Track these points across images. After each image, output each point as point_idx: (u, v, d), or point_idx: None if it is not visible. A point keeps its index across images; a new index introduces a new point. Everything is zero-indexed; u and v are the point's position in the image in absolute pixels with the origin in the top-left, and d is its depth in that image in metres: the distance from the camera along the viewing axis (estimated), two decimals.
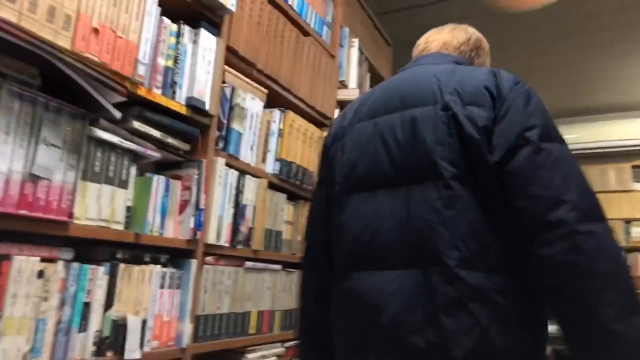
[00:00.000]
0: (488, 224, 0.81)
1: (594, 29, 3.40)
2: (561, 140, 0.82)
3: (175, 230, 1.28)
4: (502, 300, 0.78)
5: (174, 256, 1.28)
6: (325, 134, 1.99)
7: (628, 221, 4.48)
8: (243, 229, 1.50)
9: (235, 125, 1.49)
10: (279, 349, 1.64)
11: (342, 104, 2.23)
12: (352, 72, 2.33)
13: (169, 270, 1.24)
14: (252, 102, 1.57)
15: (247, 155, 1.55)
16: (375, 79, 2.78)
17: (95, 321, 1.04)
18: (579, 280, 0.72)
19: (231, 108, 1.48)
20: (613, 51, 3.70)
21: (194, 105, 1.30)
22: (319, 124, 2.01)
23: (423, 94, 0.89)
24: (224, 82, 1.46)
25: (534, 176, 0.77)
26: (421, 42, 1.11)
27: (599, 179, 4.64)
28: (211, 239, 1.36)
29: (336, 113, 2.17)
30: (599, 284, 0.71)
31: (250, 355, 1.50)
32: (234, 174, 1.47)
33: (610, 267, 0.72)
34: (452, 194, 0.81)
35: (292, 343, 1.72)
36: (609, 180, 4.65)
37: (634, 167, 4.61)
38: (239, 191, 1.49)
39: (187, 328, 1.26)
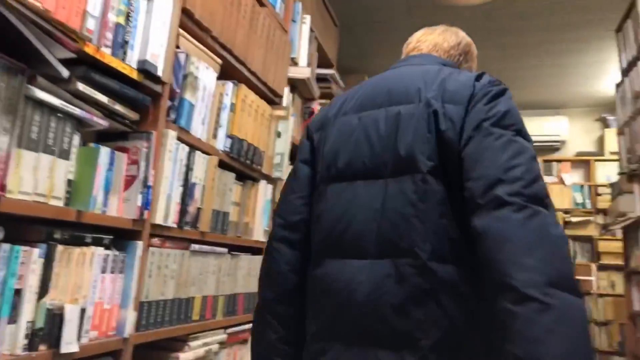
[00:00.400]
0: (455, 218, 0.83)
1: (523, 30, 3.56)
2: (521, 134, 0.82)
3: (120, 208, 1.15)
4: (469, 292, 0.81)
5: (118, 237, 1.15)
6: (276, 112, 1.90)
7: None
8: (191, 209, 1.39)
9: (187, 96, 1.36)
10: (221, 336, 1.56)
11: (292, 82, 2.14)
12: (303, 50, 2.25)
13: (111, 253, 1.11)
14: (205, 72, 1.44)
15: (199, 129, 1.43)
16: (323, 60, 2.71)
17: (27, 311, 0.90)
18: (503, 245, 0.72)
19: (184, 77, 1.35)
20: (538, 52, 3.92)
21: (146, 70, 1.16)
22: (270, 102, 1.91)
23: (409, 92, 0.91)
24: (177, 47, 1.32)
25: (480, 157, 0.80)
26: (413, 40, 1.11)
27: None
28: (159, 219, 1.24)
29: (286, 91, 2.08)
30: (518, 250, 0.71)
31: (192, 343, 1.40)
32: (184, 149, 1.35)
33: (535, 237, 0.71)
34: (428, 188, 0.84)
35: (235, 329, 1.65)
36: None
37: (545, 161, 4.98)
38: (188, 168, 1.37)
39: (130, 316, 1.15)
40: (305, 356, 0.93)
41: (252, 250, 1.83)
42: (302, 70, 2.11)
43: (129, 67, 1.13)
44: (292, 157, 2.22)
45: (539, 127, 4.98)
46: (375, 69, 4.40)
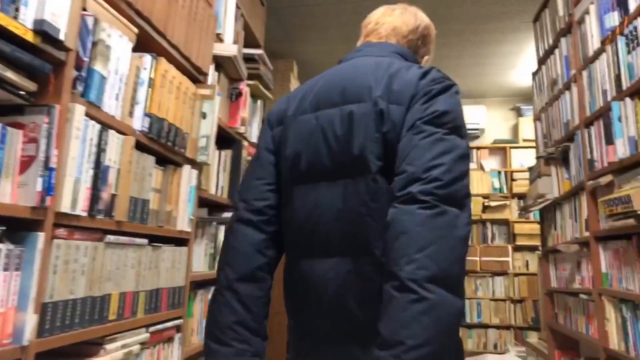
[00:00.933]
0: None
1: (447, 17, 3.64)
2: (456, 132, 0.84)
3: (15, 194, 0.98)
4: None
5: (12, 228, 0.98)
6: (201, 91, 1.76)
7: None
8: (105, 195, 1.23)
9: (98, 67, 1.20)
10: (143, 335, 1.41)
11: (218, 60, 2.00)
12: (229, 26, 2.11)
13: (4, 247, 0.94)
14: (119, 41, 1.28)
15: (112, 105, 1.27)
16: (250, 40, 2.58)
17: None
18: (401, 236, 0.77)
19: (94, 44, 1.18)
20: (459, 41, 4.02)
21: (44, 32, 0.99)
22: (194, 79, 1.76)
23: (361, 90, 0.92)
24: (84, 9, 1.15)
25: (407, 154, 0.82)
26: (371, 21, 1.10)
27: None
28: (64, 206, 1.08)
29: (212, 69, 1.94)
30: (412, 244, 0.75)
31: (109, 346, 1.25)
32: (95, 127, 1.19)
33: (433, 235, 0.75)
34: (378, 187, 0.87)
35: (158, 327, 1.50)
36: None
37: (476, 148, 5.16)
38: (100, 149, 1.21)
39: (30, 320, 0.98)
40: (292, 353, 0.98)
41: (176, 241, 1.68)
42: (229, 48, 1.97)
43: (22, 26, 0.95)
44: (220, 141, 2.09)
45: None
46: (304, 54, 4.31)
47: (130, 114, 1.36)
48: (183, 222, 1.68)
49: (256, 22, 2.65)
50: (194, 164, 1.75)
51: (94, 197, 1.19)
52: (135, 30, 1.36)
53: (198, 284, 1.94)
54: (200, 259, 1.94)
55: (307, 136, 0.96)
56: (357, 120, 0.90)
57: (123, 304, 1.33)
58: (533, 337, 4.33)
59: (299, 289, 0.96)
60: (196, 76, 1.78)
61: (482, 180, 5.03)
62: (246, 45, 2.52)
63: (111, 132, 1.25)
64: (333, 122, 0.93)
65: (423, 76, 0.90)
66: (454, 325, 0.74)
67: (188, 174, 1.70)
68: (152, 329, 1.47)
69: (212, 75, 1.96)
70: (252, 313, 0.94)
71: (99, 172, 1.21)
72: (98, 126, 1.20)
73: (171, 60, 1.59)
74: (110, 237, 1.26)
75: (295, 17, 3.69)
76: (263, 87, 2.47)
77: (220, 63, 2.04)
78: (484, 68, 4.56)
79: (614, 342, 1.93)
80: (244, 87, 2.23)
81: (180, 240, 1.70)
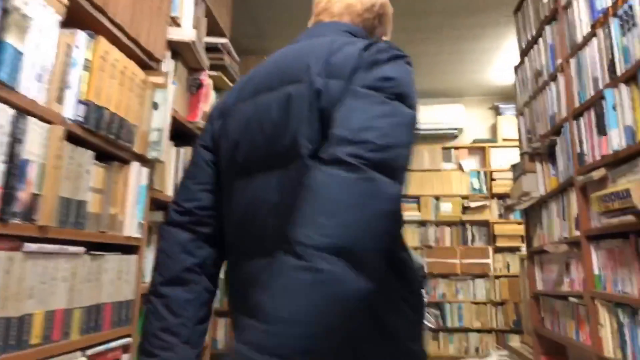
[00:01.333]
0: None
1: (426, 11, 3.50)
2: (400, 99, 0.72)
3: None
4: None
5: None
6: (152, 78, 1.56)
7: (437, 197, 4.89)
8: (23, 195, 1.02)
9: (11, 39, 0.99)
10: None
11: (174, 47, 1.80)
12: (187, 9, 1.91)
13: None
14: (41, 11, 1.07)
15: (32, 87, 1.06)
16: (214, 29, 2.38)
17: None
18: (313, 197, 0.64)
19: (4, 11, 0.97)
20: (438, 36, 3.89)
21: None
22: (145, 66, 1.56)
23: (299, 70, 0.82)
24: None
25: (339, 117, 0.71)
26: None
27: (415, 159, 4.97)
28: None
29: (168, 56, 1.74)
30: (322, 207, 0.63)
31: None
32: (7, 113, 0.98)
33: (350, 201, 0.62)
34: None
35: (99, 349, 1.29)
36: (423, 160, 5.02)
37: (443, 148, 5.06)
38: (15, 139, 1.00)
39: None
40: None
41: (124, 248, 1.47)
42: (185, 33, 1.77)
43: None
44: (178, 136, 1.88)
45: (438, 115, 5.05)
46: (275, 50, 4.12)
47: (59, 99, 1.16)
48: (131, 227, 1.47)
49: (221, 10, 2.46)
50: (144, 160, 1.54)
51: (8, 197, 0.98)
52: (65, 1, 1.16)
53: None
54: None
55: (244, 125, 0.87)
56: (294, 102, 0.79)
57: (50, 325, 1.12)
58: (515, 341, 4.22)
59: (237, 291, 0.87)
60: (146, 62, 1.57)
61: (461, 180, 4.92)
62: (210, 34, 2.32)
63: (31, 119, 1.04)
64: (270, 107, 0.83)
65: (367, 47, 0.79)
66: (350, 312, 0.60)
67: (137, 172, 1.50)
68: (90, 351, 1.26)
69: (168, 63, 1.75)
70: (180, 318, 0.85)
71: (14, 167, 1.00)
72: (11, 111, 0.99)
73: (114, 41, 1.39)
74: (31, 246, 1.05)
75: (267, 11, 3.50)
76: (228, 80, 2.27)
77: (178, 50, 1.84)
78: (463, 65, 4.45)
79: (609, 349, 1.78)
80: (206, 79, 2.03)
81: (128, 248, 1.49)
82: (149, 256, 1.68)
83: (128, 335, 1.46)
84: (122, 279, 1.44)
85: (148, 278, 1.67)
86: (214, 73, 2.16)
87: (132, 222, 1.47)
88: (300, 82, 0.80)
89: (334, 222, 0.61)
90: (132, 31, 1.45)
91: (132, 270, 1.49)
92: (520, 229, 4.66)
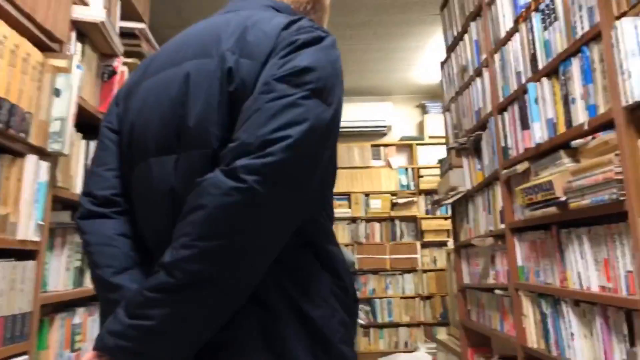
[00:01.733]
0: None
1: (354, 6, 3.48)
2: (318, 95, 0.65)
3: None
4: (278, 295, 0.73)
5: None
6: (52, 61, 1.38)
7: (367, 194, 4.93)
8: None
9: None
10: None
11: (81, 28, 1.62)
12: None
13: None
14: None
15: None
16: (130, 12, 2.19)
17: None
18: (193, 207, 0.62)
19: None
20: (366, 33, 3.90)
21: None
22: (44, 47, 1.38)
23: (206, 46, 0.75)
24: None
25: (247, 118, 0.64)
26: None
27: (346, 156, 4.98)
28: None
29: (73, 37, 1.55)
30: (199, 219, 0.61)
31: None
32: None
33: (225, 217, 0.60)
34: None
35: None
36: (354, 157, 5.04)
37: (372, 145, 5.11)
38: None
39: None
40: None
41: (18, 253, 1.28)
42: (93, 12, 1.60)
43: None
44: (86, 128, 1.70)
45: (367, 112, 5.09)
46: None
47: None
48: (27, 229, 1.29)
49: None
50: (43, 154, 1.36)
51: None
52: None
53: (57, 307, 1.54)
54: (60, 274, 1.54)
55: (142, 103, 0.78)
56: (196, 80, 0.71)
57: None
58: (442, 333, 4.33)
59: None
60: (46, 43, 1.39)
61: (390, 177, 4.99)
62: (126, 20, 2.13)
63: None
64: (170, 83, 0.74)
65: (288, 25, 0.71)
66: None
67: (34, 167, 1.31)
68: None
69: (73, 45, 1.57)
70: None
71: None
72: None
73: (3, 15, 1.20)
74: None
75: (191, 1, 3.33)
76: None
77: (85, 32, 1.66)
78: (391, 63, 4.49)
79: (533, 339, 1.83)
80: (120, 65, 1.85)
81: (24, 253, 1.31)
82: (52, 262, 1.50)
83: (24, 353, 1.27)
84: (16, 289, 1.25)
85: (50, 286, 1.48)
86: (129, 60, 1.98)
87: (28, 223, 1.29)
88: (209, 58, 0.72)
89: (204, 249, 0.60)
90: (25, 5, 1.27)
91: (30, 277, 1.31)
92: (447, 224, 4.80)
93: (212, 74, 0.70)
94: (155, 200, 0.73)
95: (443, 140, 4.85)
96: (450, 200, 2.61)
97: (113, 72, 1.84)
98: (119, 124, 0.84)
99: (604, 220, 1.38)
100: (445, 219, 4.82)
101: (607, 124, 1.31)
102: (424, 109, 5.26)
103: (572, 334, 1.55)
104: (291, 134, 0.61)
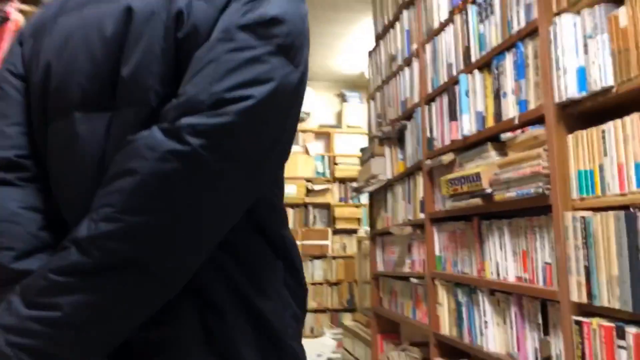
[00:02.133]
0: None
1: None
2: (284, 53, 0.55)
3: None
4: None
5: None
6: None
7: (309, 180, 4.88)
8: None
9: None
10: None
11: None
12: None
13: None
14: None
15: None
16: None
17: None
18: (124, 171, 0.52)
19: None
20: (319, 19, 3.79)
21: None
22: None
23: None
24: None
25: (199, 68, 0.53)
26: None
27: None
28: None
29: None
30: (137, 185, 0.50)
31: None
32: None
33: (163, 185, 0.50)
34: None
35: None
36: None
37: (302, 131, 5.04)
38: None
39: None
40: None
41: None
42: None
43: None
44: None
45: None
46: None
47: None
48: None
49: None
50: None
51: None
52: None
53: None
54: None
55: (62, 42, 0.63)
56: (138, 20, 0.58)
57: None
58: (348, 319, 4.40)
59: None
60: None
61: (306, 163, 4.96)
62: None
63: None
64: (102, 21, 0.61)
65: None
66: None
67: None
68: None
69: None
70: None
71: None
72: None
73: None
74: None
75: None
76: None
77: None
78: (314, 48, 4.42)
79: (445, 326, 1.87)
80: (13, 11, 1.59)
81: None
82: None
83: None
84: None
85: None
86: (26, 7, 1.71)
87: None
88: None
89: (137, 223, 0.49)
90: None
91: None
92: (359, 212, 4.88)
93: (158, 14, 0.58)
94: (78, 167, 0.60)
95: (360, 130, 4.97)
96: (371, 188, 2.61)
97: (5, 19, 1.58)
98: (27, 66, 0.68)
99: (525, 213, 1.42)
100: (357, 207, 4.90)
101: (537, 120, 1.34)
102: (343, 98, 5.28)
103: (485, 322, 1.60)
104: (253, 93, 0.51)
